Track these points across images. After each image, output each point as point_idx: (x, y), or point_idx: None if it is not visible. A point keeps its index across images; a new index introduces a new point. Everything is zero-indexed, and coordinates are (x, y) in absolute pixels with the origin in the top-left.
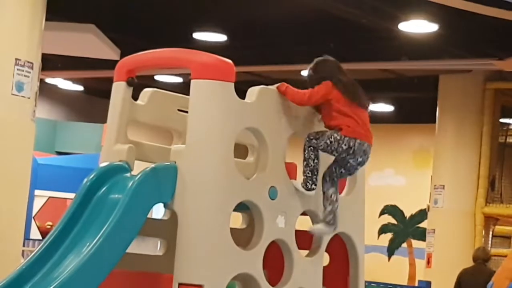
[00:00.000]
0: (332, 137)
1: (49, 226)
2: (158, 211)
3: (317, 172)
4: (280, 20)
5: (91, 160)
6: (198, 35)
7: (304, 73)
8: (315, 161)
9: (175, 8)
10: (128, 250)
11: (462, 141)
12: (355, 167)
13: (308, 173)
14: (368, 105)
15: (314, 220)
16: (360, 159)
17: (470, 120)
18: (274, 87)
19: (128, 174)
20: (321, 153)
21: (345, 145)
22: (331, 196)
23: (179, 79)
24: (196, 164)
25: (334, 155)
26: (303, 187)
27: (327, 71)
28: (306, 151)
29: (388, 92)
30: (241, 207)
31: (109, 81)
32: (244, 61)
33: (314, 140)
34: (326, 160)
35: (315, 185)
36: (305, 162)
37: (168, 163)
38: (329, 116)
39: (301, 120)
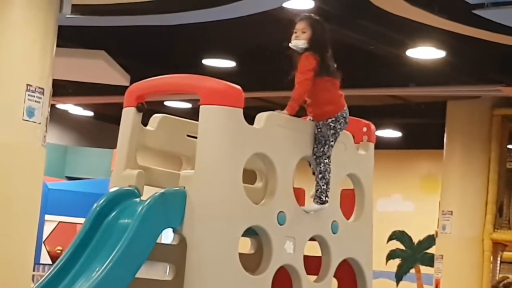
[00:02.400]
0: (336, 124)
1: (59, 251)
2: (167, 236)
3: (329, 185)
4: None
5: (101, 185)
6: (207, 61)
7: None
8: (330, 173)
9: (184, 34)
10: (137, 275)
11: (470, 167)
12: None
13: (323, 186)
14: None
15: (322, 244)
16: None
17: (477, 146)
18: (284, 113)
19: (137, 199)
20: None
21: (344, 119)
22: (328, 174)
23: (188, 105)
24: (205, 189)
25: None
26: (316, 202)
27: (323, 40)
28: (323, 164)
29: (396, 118)
30: (249, 232)
31: (119, 106)
32: (253, 87)
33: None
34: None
35: (328, 197)
36: (320, 175)
37: (177, 188)
38: (318, 101)
39: (309, 145)
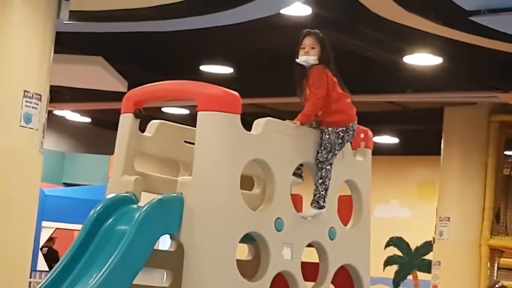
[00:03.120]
0: (345, 135)
1: None
2: (164, 243)
3: (328, 191)
4: (286, 52)
5: (98, 191)
6: (205, 68)
7: None
8: (330, 180)
9: (182, 40)
10: (134, 282)
11: (467, 173)
12: None
13: (322, 191)
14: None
15: (320, 250)
16: None
17: (475, 152)
18: (295, 123)
19: (135, 206)
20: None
21: (353, 132)
22: (328, 180)
23: (186, 111)
24: (202, 195)
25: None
26: (314, 207)
27: (329, 55)
28: (324, 170)
29: (393, 124)
30: (247, 238)
31: (117, 113)
32: (250, 93)
33: (332, 153)
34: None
35: (326, 203)
36: (320, 181)
37: (175, 194)
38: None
39: (307, 151)
